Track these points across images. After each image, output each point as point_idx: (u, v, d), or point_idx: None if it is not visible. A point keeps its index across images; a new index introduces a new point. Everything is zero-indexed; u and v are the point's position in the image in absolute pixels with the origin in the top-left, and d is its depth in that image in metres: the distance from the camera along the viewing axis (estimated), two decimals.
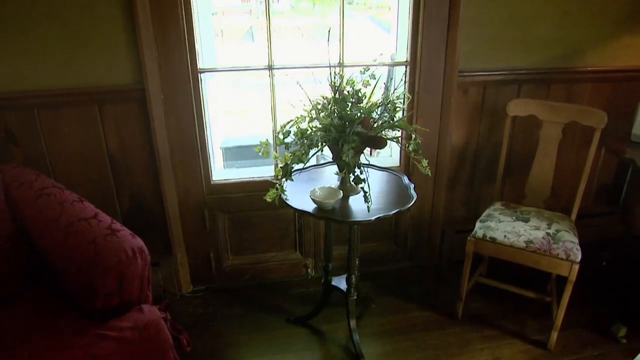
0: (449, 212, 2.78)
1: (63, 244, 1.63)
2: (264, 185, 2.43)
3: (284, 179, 1.85)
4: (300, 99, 1.88)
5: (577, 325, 2.37)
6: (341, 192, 1.86)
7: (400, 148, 2.58)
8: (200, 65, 2.18)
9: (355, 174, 1.73)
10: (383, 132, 1.83)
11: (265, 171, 2.54)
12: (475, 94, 2.54)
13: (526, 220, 2.28)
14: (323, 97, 1.89)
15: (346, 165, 1.78)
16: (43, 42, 1.97)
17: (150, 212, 2.38)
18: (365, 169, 1.82)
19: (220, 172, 2.54)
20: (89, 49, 2.02)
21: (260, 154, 1.87)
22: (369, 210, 1.76)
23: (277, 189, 1.87)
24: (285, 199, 1.89)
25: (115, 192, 2.30)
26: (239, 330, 2.33)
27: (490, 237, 2.18)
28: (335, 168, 2.21)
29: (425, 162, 1.92)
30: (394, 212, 1.81)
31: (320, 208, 1.83)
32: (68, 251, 1.62)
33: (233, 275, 2.63)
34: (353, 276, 2.10)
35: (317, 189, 1.88)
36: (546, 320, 2.39)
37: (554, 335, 2.22)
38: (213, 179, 2.43)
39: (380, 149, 1.82)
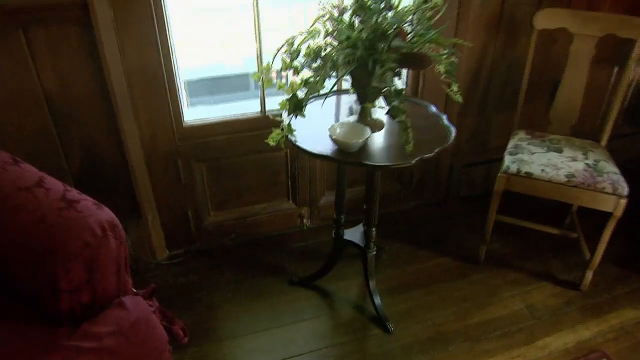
0: (457, 143, 2.45)
1: None
2: (248, 125, 2.00)
3: (291, 115, 1.42)
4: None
5: (602, 261, 2.17)
6: (368, 129, 1.45)
7: (407, 71, 2.17)
8: None
9: (393, 103, 1.31)
10: (418, 49, 1.40)
11: (247, 107, 2.07)
12: (493, 4, 2.13)
13: (559, 151, 1.99)
14: (333, 5, 1.42)
15: (377, 93, 1.36)
16: None
17: (109, 168, 1.88)
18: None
19: (189, 111, 2.05)
20: None
21: (258, 82, 1.42)
22: (407, 150, 1.37)
23: (282, 128, 1.44)
24: (295, 141, 1.47)
25: (60, 145, 1.78)
26: (233, 299, 1.97)
27: (525, 172, 1.87)
28: (343, 98, 1.80)
29: (455, 87, 1.54)
30: (436, 150, 1.44)
31: (343, 150, 1.43)
32: (8, 238, 1.14)
33: (217, 234, 2.22)
34: (373, 228, 1.75)
35: (336, 126, 1.46)
36: (570, 258, 2.20)
37: (589, 275, 2.02)
38: (185, 120, 1.94)
39: (422, 69, 1.41)
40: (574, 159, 1.92)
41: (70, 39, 1.63)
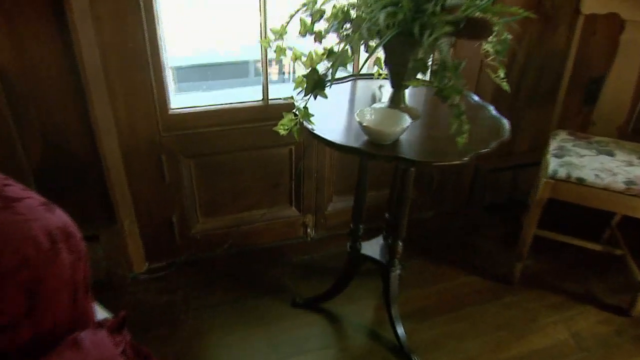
0: None
1: None
2: (247, 115, 1.69)
3: (309, 96, 1.11)
4: None
5: None
6: (407, 116, 1.14)
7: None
8: None
9: (449, 83, 1.00)
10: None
11: (246, 96, 1.75)
12: None
13: (611, 154, 1.71)
14: None
15: (422, 68, 1.06)
16: None
17: (77, 161, 1.55)
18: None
19: (177, 98, 1.72)
20: None
21: (269, 48, 1.11)
22: (460, 143, 1.07)
23: (295, 114, 1.14)
24: (312, 130, 1.16)
25: (15, 131, 1.44)
26: (224, 323, 1.64)
27: (576, 178, 1.58)
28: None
29: (502, 72, 1.26)
30: (492, 144, 1.14)
31: (374, 142, 1.12)
32: None
33: (206, 245, 1.89)
34: (400, 242, 1.44)
35: (366, 112, 1.16)
36: (613, 278, 1.93)
37: None
38: (171, 107, 1.62)
39: (481, 40, 1.11)
40: (630, 164, 1.64)
41: (31, 2, 1.30)
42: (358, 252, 1.55)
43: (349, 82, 1.52)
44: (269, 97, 1.70)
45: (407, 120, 1.11)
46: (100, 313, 1.06)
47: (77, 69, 1.40)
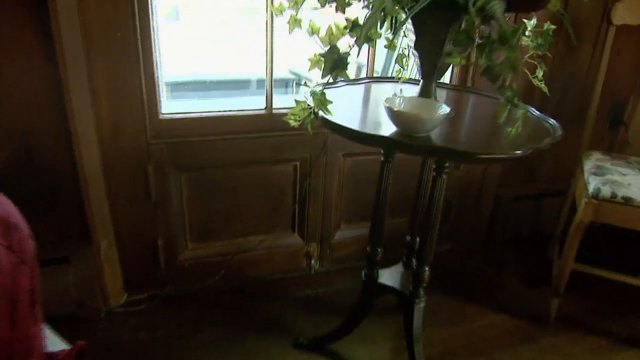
0: (503, 170, 1.98)
1: None
2: (248, 125, 1.51)
3: (327, 79, 0.92)
4: None
5: None
6: (443, 104, 0.95)
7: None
8: None
9: (508, 58, 0.82)
10: None
11: (245, 105, 1.57)
12: None
13: None
14: None
15: (466, 43, 0.88)
16: None
17: (49, 170, 1.33)
18: None
19: (169, 105, 1.53)
20: None
21: (279, 15, 0.94)
22: (510, 135, 0.88)
23: (309, 102, 0.95)
24: (331, 120, 0.96)
25: None
26: None
27: (622, 197, 1.39)
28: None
29: (541, 72, 1.09)
30: (546, 141, 0.95)
31: (406, 132, 0.92)
32: None
33: (196, 275, 1.64)
34: (427, 267, 1.21)
35: (395, 99, 0.97)
36: None
37: None
38: (162, 111, 1.43)
39: (535, 10, 0.95)
40: None
41: None
42: (375, 281, 1.31)
43: (362, 85, 1.35)
44: (273, 106, 1.52)
45: (445, 108, 0.92)
46: (54, 342, 0.81)
47: (55, 60, 1.21)
